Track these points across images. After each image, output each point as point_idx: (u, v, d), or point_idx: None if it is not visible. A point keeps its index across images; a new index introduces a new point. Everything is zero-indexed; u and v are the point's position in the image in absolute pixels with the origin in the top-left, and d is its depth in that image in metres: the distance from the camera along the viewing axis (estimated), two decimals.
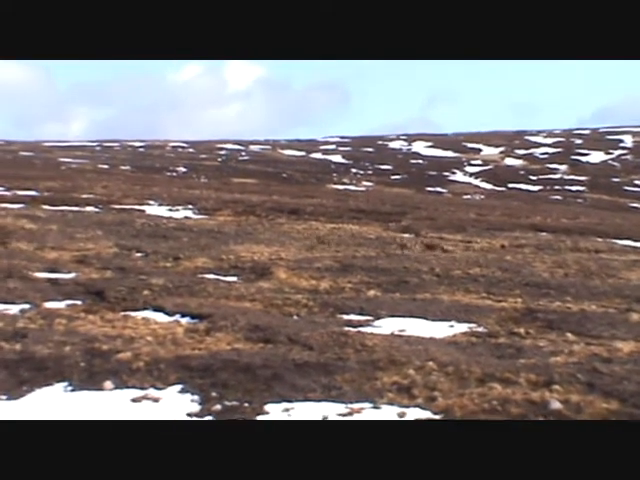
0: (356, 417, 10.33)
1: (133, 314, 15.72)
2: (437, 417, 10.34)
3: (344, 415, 10.39)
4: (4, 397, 10.88)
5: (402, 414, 10.45)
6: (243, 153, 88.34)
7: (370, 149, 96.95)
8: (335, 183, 66.40)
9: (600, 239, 33.32)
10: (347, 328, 14.94)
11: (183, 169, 65.79)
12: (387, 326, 15.48)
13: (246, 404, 10.79)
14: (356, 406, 10.68)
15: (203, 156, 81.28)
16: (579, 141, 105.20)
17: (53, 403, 10.78)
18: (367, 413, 10.48)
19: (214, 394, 11.12)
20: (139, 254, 23.08)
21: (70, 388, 11.33)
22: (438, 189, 68.13)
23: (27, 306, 15.86)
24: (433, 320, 16.08)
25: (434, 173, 78.71)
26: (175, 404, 10.86)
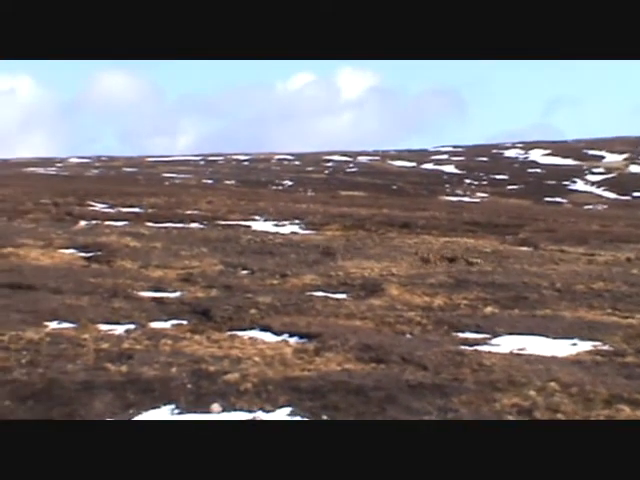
0: None
1: (240, 334, 15.44)
2: None
3: None
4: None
5: None
6: (351, 165, 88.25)
7: (484, 158, 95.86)
8: (448, 194, 65.79)
9: None
10: (463, 347, 14.51)
11: (289, 182, 65.92)
12: (505, 344, 14.98)
13: None
14: None
15: (309, 168, 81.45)
16: None
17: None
18: None
19: (325, 417, 10.72)
20: (245, 271, 22.88)
21: (177, 411, 11.03)
22: (557, 199, 66.88)
23: (132, 326, 15.70)
24: (554, 338, 15.49)
25: (553, 182, 77.31)
26: None
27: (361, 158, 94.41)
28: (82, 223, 32.59)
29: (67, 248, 25.51)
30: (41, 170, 71.41)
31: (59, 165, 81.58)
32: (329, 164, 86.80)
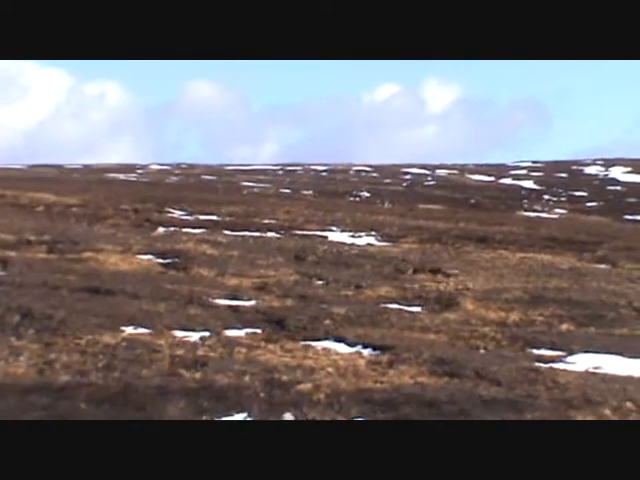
0: None
1: (314, 344, 15.45)
2: None
3: None
4: None
5: None
6: (429, 178, 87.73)
7: (564, 174, 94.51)
8: (526, 210, 64.92)
9: None
10: (538, 364, 14.36)
11: (367, 194, 65.70)
12: (581, 362, 14.78)
13: None
14: None
15: (387, 180, 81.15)
16: None
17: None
18: None
19: None
20: (320, 282, 22.88)
21: (250, 419, 11.03)
22: (638, 217, 65.62)
23: (207, 333, 15.79)
24: (631, 357, 15.23)
25: (634, 200, 75.87)
26: None
27: (439, 171, 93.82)
28: (160, 230, 32.89)
29: (145, 254, 25.76)
30: (122, 176, 72.31)
31: (140, 171, 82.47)
32: (407, 176, 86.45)
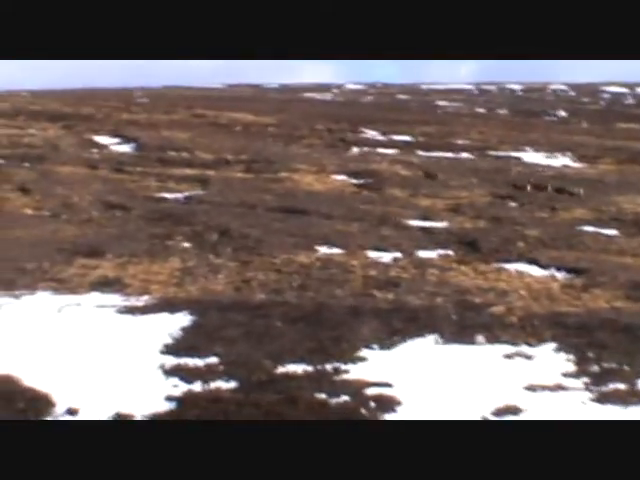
0: None
1: (506, 266, 15.29)
2: None
3: None
4: (376, 347, 10.84)
5: None
6: (629, 96, 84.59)
7: None
8: None
9: None
10: None
11: (563, 113, 63.96)
12: None
13: (625, 367, 10.12)
14: None
15: (585, 99, 78.76)
16: None
17: (424, 355, 10.60)
18: None
19: (591, 354, 10.53)
20: (514, 203, 22.58)
21: (441, 341, 11.12)
22: None
23: (400, 254, 15.86)
24: None
25: None
26: (549, 363, 10.37)
27: None
28: (354, 150, 33.11)
29: (339, 174, 26.03)
30: (318, 96, 72.78)
31: (335, 91, 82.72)
32: (606, 95, 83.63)
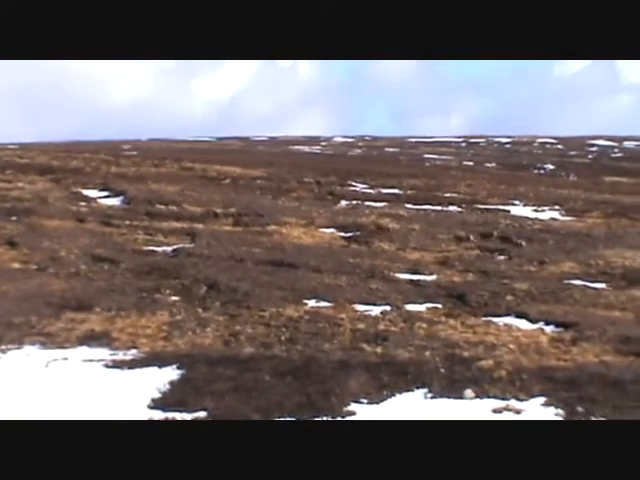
0: None
1: (495, 320, 15.32)
2: None
3: None
4: (365, 401, 10.83)
5: None
6: (616, 150, 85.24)
7: None
8: None
9: None
10: None
11: (551, 166, 64.34)
12: None
13: None
14: None
15: (572, 153, 79.32)
16: None
17: (413, 410, 10.55)
18: None
19: (580, 409, 10.47)
20: (502, 257, 22.64)
21: (430, 395, 11.08)
22: None
23: (388, 308, 15.88)
24: None
25: None
26: (538, 417, 10.29)
27: (627, 143, 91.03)
28: (343, 203, 33.21)
29: (328, 227, 26.10)
30: (306, 149, 73.18)
31: (324, 144, 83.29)
32: (593, 148, 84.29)
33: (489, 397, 10.95)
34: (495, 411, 10.51)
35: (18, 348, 12.74)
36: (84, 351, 12.74)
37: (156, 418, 10.11)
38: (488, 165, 63.30)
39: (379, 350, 12.87)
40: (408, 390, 11.19)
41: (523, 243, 24.69)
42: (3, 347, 12.74)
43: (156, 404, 10.60)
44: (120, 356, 12.52)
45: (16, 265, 18.86)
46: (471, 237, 25.34)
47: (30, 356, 12.43)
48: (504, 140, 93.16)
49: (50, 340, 13.19)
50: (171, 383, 11.27)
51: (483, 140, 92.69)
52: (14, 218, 24.67)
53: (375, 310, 15.70)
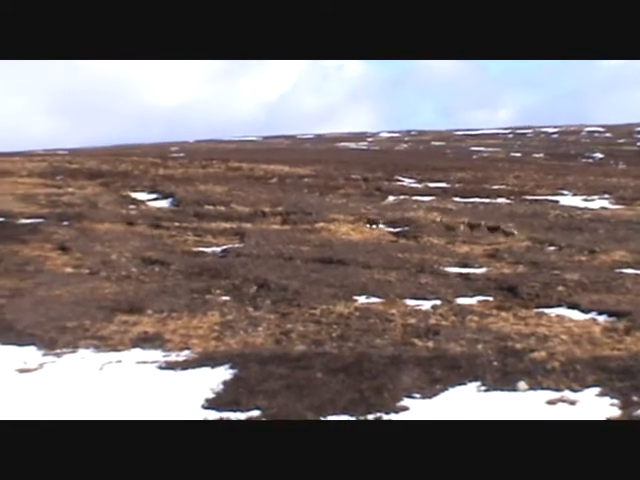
0: None
1: (547, 311, 15.19)
2: None
3: None
4: (418, 395, 10.80)
5: None
6: None
7: None
8: None
9: None
10: None
11: (599, 155, 63.74)
12: None
13: None
14: None
15: (621, 140, 78.46)
16: None
17: (467, 403, 10.53)
18: None
19: (635, 398, 10.38)
20: (552, 247, 22.48)
21: (483, 388, 11.03)
22: None
23: (439, 302, 15.82)
24: None
25: None
26: (593, 407, 10.24)
27: None
28: (390, 198, 33.16)
29: (376, 224, 26.09)
30: (352, 145, 73.20)
31: (370, 140, 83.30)
32: None
33: (543, 389, 10.88)
34: (549, 402, 10.44)
35: (72, 352, 12.88)
36: (137, 353, 12.85)
37: (210, 418, 10.19)
38: (536, 156, 62.87)
39: (431, 344, 12.84)
40: (461, 384, 11.14)
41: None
42: (58, 351, 12.89)
43: (210, 404, 10.68)
44: (173, 357, 12.61)
45: (68, 269, 19.04)
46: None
47: (84, 359, 12.57)
48: (551, 130, 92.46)
49: (104, 343, 13.32)
50: (224, 383, 11.34)
51: (530, 131, 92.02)
52: (65, 223, 24.93)
53: (425, 304, 15.65)
